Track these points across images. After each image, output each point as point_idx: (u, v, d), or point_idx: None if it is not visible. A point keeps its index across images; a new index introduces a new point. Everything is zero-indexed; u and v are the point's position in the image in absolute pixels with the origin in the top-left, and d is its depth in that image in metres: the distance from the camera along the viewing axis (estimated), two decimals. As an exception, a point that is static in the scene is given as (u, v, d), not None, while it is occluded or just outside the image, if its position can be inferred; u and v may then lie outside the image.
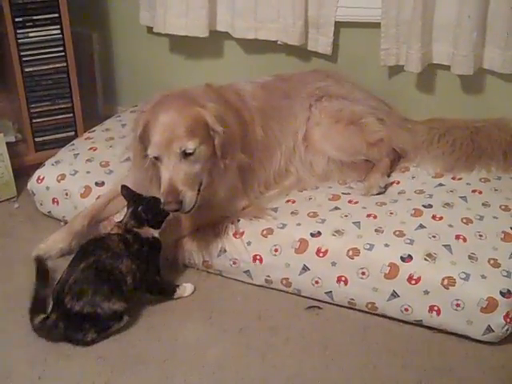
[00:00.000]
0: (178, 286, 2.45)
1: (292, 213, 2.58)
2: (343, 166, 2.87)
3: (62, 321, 2.17)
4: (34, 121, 3.29)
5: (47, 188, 2.88)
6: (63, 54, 3.23)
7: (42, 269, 2.39)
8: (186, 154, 2.29)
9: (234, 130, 2.49)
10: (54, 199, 2.87)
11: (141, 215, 2.33)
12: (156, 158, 2.33)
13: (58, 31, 3.18)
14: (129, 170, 2.78)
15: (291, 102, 2.89)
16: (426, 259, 2.28)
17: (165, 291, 2.44)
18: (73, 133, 3.38)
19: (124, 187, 2.43)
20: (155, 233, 2.37)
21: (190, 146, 2.29)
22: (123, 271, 2.24)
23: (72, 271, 2.21)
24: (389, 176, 2.84)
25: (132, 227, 2.34)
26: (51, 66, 3.23)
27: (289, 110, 2.87)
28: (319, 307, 2.43)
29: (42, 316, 2.21)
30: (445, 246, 2.32)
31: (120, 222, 2.40)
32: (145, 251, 2.32)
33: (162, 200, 2.27)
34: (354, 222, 2.47)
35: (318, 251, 2.40)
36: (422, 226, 2.42)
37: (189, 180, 2.31)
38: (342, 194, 2.71)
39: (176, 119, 2.33)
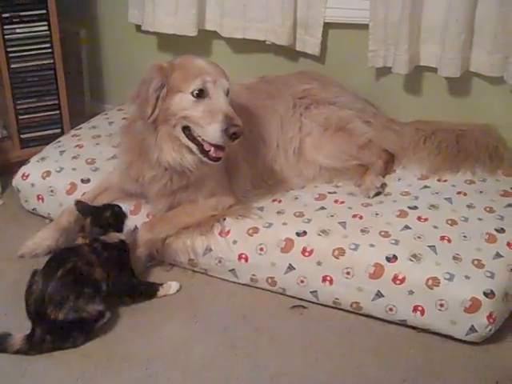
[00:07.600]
0: (161, 284, 2.44)
1: (278, 212, 2.58)
2: (336, 172, 2.87)
3: (48, 334, 2.12)
4: (20, 117, 3.27)
5: (32, 185, 2.86)
6: (50, 50, 3.22)
7: None
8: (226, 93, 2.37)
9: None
10: (38, 196, 2.85)
11: (106, 221, 2.34)
12: (198, 93, 2.31)
13: (46, 28, 3.17)
14: (114, 168, 2.77)
15: (275, 103, 2.89)
16: (410, 260, 2.29)
17: (145, 293, 2.41)
18: (59, 130, 3.37)
19: (79, 202, 2.44)
20: (121, 236, 2.36)
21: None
22: (97, 279, 2.22)
23: (48, 281, 2.13)
24: (384, 177, 2.85)
25: (97, 235, 2.32)
26: (38, 63, 3.22)
27: (273, 110, 2.87)
28: (304, 307, 2.43)
29: (23, 335, 2.14)
30: (429, 246, 2.33)
31: (83, 233, 2.38)
32: (115, 256, 2.30)
33: (224, 126, 2.26)
34: (339, 222, 2.48)
35: (304, 251, 2.40)
36: (407, 227, 2.44)
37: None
38: (328, 193, 2.72)
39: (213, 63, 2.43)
